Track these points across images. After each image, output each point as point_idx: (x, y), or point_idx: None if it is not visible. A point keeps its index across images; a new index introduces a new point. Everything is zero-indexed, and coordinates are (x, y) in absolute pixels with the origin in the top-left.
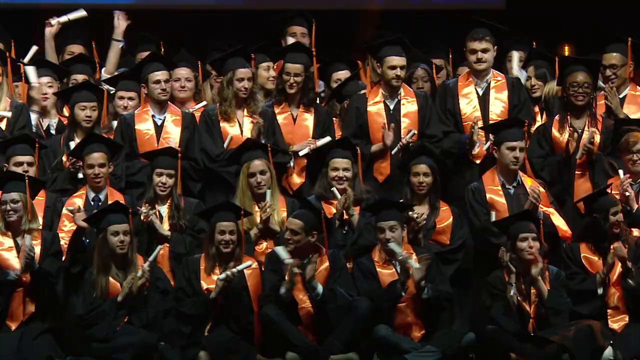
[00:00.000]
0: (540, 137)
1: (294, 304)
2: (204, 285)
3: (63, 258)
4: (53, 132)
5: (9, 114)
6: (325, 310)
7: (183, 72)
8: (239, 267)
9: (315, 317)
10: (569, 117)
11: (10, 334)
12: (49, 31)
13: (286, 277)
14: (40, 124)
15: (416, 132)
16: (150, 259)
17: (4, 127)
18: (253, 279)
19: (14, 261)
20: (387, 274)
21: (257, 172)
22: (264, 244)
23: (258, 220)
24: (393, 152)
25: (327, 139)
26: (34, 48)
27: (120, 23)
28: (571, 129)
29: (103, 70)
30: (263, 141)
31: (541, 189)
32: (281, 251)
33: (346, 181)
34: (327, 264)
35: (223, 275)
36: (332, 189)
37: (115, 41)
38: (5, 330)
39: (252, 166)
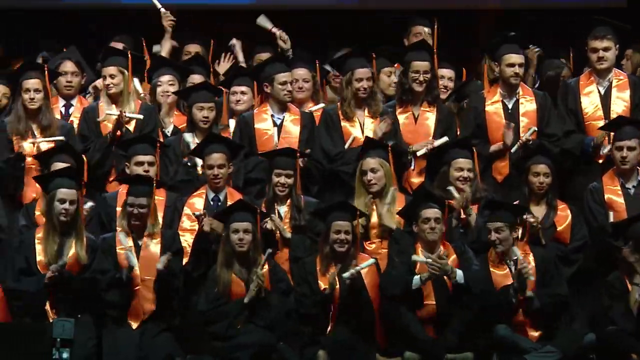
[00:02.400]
0: None
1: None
2: (322, 285)
3: (184, 258)
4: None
5: (140, 117)
6: (456, 301)
7: (301, 72)
8: (363, 265)
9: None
10: None
11: (131, 331)
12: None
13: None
14: (162, 124)
15: (536, 129)
16: (262, 262)
17: (132, 129)
18: (371, 277)
19: (134, 261)
20: (500, 274)
21: (369, 169)
22: (373, 244)
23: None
24: (513, 150)
25: (445, 138)
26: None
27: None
28: None
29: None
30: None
31: None
32: (517, 251)
33: (469, 181)
34: (454, 256)
35: (347, 274)
36: (448, 188)
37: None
38: (127, 328)
39: (365, 164)
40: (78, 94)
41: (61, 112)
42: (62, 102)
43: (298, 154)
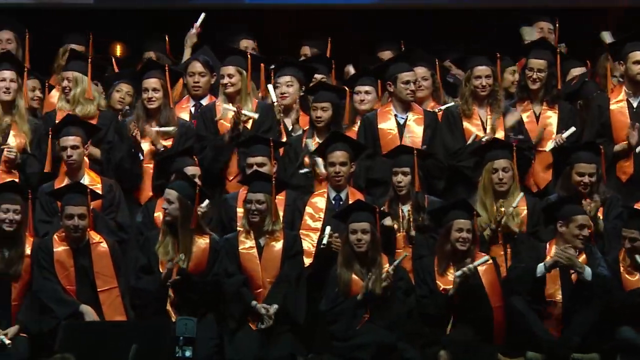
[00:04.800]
0: None
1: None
2: (441, 285)
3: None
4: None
5: (256, 115)
6: (580, 298)
7: (420, 71)
8: (476, 263)
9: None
10: None
11: (253, 332)
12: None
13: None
14: (283, 123)
15: None
16: (396, 262)
17: (249, 127)
18: (488, 275)
19: (255, 262)
20: (631, 280)
21: (500, 168)
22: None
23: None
24: (638, 150)
25: (572, 129)
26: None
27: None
28: None
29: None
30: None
31: None
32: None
33: (590, 186)
34: (583, 255)
35: (460, 272)
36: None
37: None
38: (248, 328)
39: (496, 163)
40: (208, 93)
41: (191, 112)
42: (192, 102)
43: (416, 152)
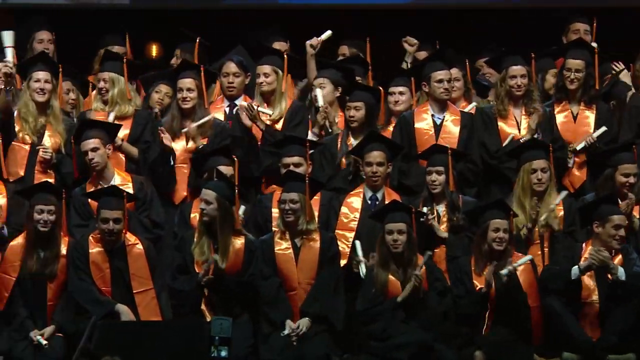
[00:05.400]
0: None
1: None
2: (477, 285)
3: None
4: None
5: (270, 112)
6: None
7: (452, 71)
8: (519, 262)
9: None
10: None
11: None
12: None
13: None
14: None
15: None
16: (422, 263)
17: (280, 127)
18: (526, 275)
19: (291, 264)
20: None
21: (539, 169)
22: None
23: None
24: None
25: (603, 128)
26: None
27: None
28: None
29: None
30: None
31: None
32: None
33: (633, 186)
34: (620, 256)
35: (505, 271)
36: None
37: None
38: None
39: (535, 163)
40: (243, 94)
41: (225, 112)
42: (226, 102)
43: (450, 152)
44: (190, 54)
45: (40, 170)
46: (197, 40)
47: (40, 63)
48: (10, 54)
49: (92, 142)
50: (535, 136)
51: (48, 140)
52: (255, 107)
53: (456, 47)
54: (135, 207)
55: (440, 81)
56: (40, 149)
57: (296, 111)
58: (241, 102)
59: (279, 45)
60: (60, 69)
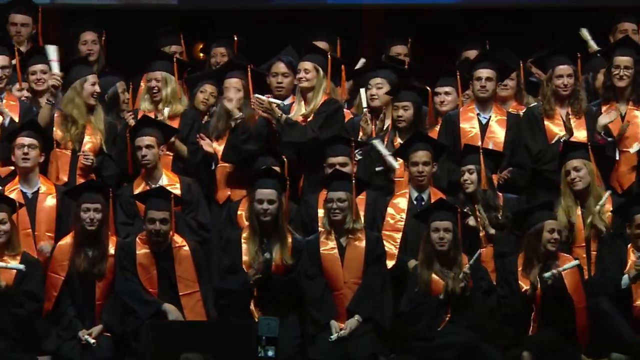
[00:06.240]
0: None
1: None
2: (523, 286)
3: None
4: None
5: (279, 102)
6: None
7: (490, 71)
8: (567, 266)
9: None
10: None
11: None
12: None
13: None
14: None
15: None
16: (471, 262)
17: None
18: (572, 277)
19: (337, 263)
20: None
21: (572, 168)
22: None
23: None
24: None
25: None
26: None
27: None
28: None
29: None
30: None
31: None
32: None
33: None
34: None
35: (549, 274)
36: None
37: None
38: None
39: (568, 164)
40: (291, 94)
41: None
42: None
43: (481, 151)
44: (231, 50)
45: (81, 175)
46: (235, 38)
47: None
48: (56, 68)
49: (148, 139)
50: (602, 136)
51: (88, 142)
52: (266, 99)
53: (511, 47)
54: (182, 208)
55: (479, 79)
56: (81, 156)
57: (326, 106)
58: (299, 105)
59: (322, 45)
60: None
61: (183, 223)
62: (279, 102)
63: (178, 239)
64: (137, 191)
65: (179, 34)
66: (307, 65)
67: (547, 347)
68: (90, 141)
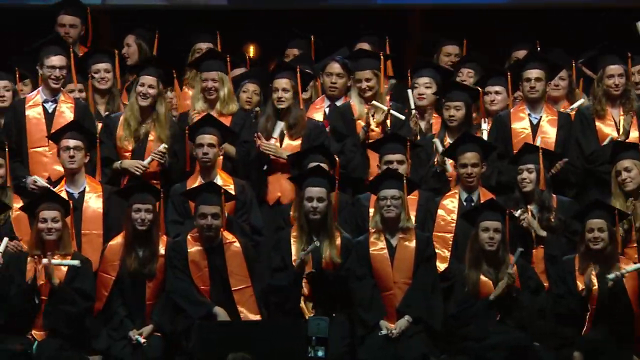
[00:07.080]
0: None
1: None
2: (580, 286)
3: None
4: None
5: (402, 117)
6: None
7: (539, 72)
8: (630, 268)
9: None
10: None
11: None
12: None
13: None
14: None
15: None
16: (514, 261)
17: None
18: (632, 281)
19: (387, 264)
20: None
21: (622, 169)
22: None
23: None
24: None
25: None
26: None
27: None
28: None
29: None
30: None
31: None
32: None
33: None
34: None
35: (612, 275)
36: None
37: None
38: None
39: (619, 164)
40: (344, 95)
41: (325, 112)
42: (327, 102)
43: (541, 151)
44: (307, 51)
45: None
46: (312, 39)
47: (150, 67)
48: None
49: (210, 138)
50: None
51: (154, 144)
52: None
53: (563, 46)
54: (235, 209)
55: (528, 80)
56: (155, 154)
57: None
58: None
59: (368, 45)
60: (175, 74)
61: (236, 227)
62: (384, 107)
63: (229, 236)
64: None
65: (216, 33)
66: (367, 74)
67: (598, 347)
68: (152, 141)
